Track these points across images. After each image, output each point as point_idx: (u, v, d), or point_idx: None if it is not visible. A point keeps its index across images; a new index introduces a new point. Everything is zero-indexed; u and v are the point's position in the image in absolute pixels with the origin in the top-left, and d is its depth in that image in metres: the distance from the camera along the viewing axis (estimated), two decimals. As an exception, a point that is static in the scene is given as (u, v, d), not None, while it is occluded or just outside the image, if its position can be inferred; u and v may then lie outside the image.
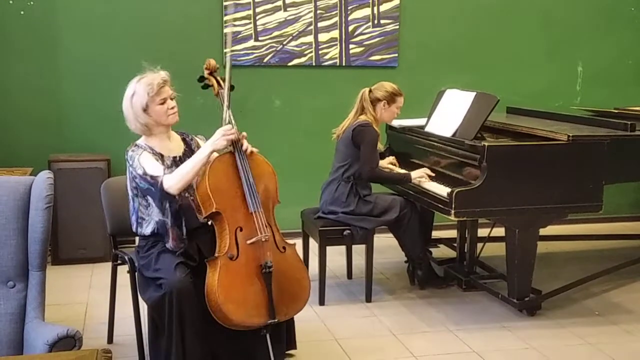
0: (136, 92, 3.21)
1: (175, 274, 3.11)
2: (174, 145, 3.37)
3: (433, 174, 4.33)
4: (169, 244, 3.24)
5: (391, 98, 4.38)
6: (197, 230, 3.34)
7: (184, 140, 3.44)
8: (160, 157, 3.28)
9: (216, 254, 3.19)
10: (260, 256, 3.22)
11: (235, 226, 3.21)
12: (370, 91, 4.40)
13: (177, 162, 3.31)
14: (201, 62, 5.27)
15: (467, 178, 4.06)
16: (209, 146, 3.19)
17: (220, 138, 3.19)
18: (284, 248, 3.34)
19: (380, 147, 4.51)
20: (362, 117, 4.35)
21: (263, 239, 3.22)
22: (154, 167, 3.19)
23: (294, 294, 3.32)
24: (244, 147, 3.31)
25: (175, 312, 3.06)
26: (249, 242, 3.21)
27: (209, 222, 3.33)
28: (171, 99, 3.27)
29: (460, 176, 4.15)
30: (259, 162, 3.39)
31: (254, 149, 3.36)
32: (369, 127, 4.30)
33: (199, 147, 3.36)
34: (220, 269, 3.13)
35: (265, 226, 3.25)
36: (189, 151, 3.38)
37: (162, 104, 3.23)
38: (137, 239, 3.41)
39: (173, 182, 3.13)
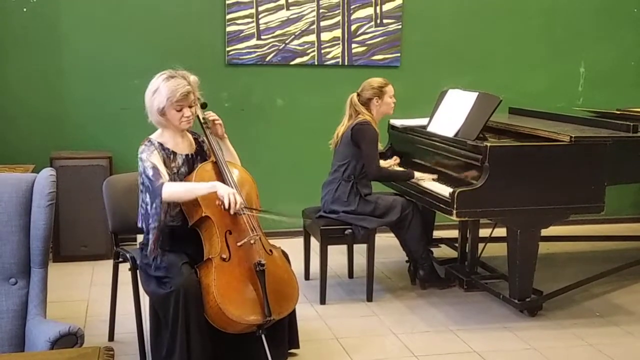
0: (159, 91, 3.22)
1: (182, 272, 3.13)
2: (187, 144, 3.40)
3: (436, 178, 4.34)
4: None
5: (380, 91, 4.37)
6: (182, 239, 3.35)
7: (195, 140, 3.47)
8: (173, 154, 3.31)
9: (209, 256, 3.21)
10: (251, 257, 3.26)
11: (224, 230, 3.26)
12: (358, 95, 4.40)
13: (189, 160, 3.36)
14: (203, 59, 5.33)
15: (469, 178, 4.06)
16: (214, 187, 3.18)
17: (227, 194, 3.15)
18: (270, 251, 3.39)
19: (380, 147, 4.50)
20: (360, 117, 4.34)
21: (252, 241, 3.28)
22: (160, 170, 3.20)
23: (285, 293, 3.36)
24: (211, 117, 3.43)
25: (182, 310, 3.07)
26: (238, 244, 3.25)
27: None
28: (190, 107, 3.27)
29: (462, 176, 4.15)
30: (240, 171, 3.48)
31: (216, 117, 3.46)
32: (368, 125, 4.30)
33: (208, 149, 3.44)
34: (215, 269, 3.15)
35: (253, 228, 3.30)
36: (201, 151, 3.45)
37: (179, 110, 3.24)
38: (141, 236, 3.41)
39: (170, 191, 3.16)
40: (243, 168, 3.53)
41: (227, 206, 3.16)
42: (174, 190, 3.17)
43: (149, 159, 3.21)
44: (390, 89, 4.41)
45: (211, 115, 3.48)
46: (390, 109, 4.48)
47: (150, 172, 3.18)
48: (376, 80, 4.41)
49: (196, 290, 3.12)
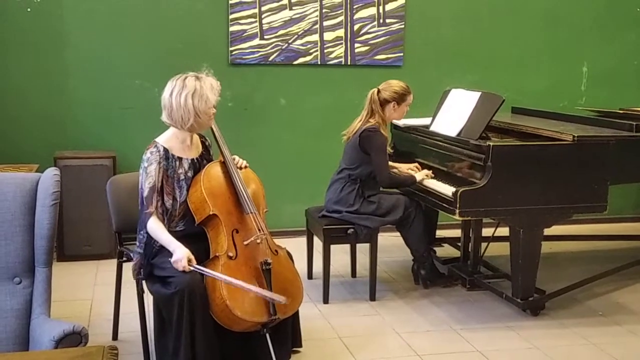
0: (200, 92, 3.24)
1: (186, 272, 3.13)
2: (194, 148, 3.42)
3: (433, 175, 4.36)
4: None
5: (400, 98, 4.33)
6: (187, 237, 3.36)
7: (202, 143, 3.49)
8: (179, 160, 3.31)
9: (216, 254, 3.23)
10: (257, 256, 3.29)
11: (231, 228, 3.28)
12: (378, 92, 4.34)
13: (194, 164, 3.38)
14: (206, 58, 5.33)
15: (471, 178, 4.06)
16: (176, 251, 3.15)
17: (176, 262, 3.14)
18: (276, 251, 3.42)
19: (389, 149, 4.48)
20: (371, 121, 4.30)
21: (258, 240, 3.30)
22: (154, 196, 3.22)
23: (290, 293, 3.36)
24: (238, 163, 3.47)
25: (187, 311, 3.08)
26: (245, 243, 3.28)
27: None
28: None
29: (465, 176, 4.15)
30: (246, 172, 3.52)
31: (246, 164, 3.53)
32: (376, 132, 4.26)
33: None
34: (222, 267, 3.17)
35: (260, 228, 3.33)
36: (207, 154, 3.48)
37: (210, 108, 3.30)
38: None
39: (152, 230, 3.21)
40: (250, 169, 3.56)
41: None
42: (154, 232, 3.22)
43: (150, 175, 3.22)
44: (410, 98, 4.36)
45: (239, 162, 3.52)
46: (401, 116, 4.45)
47: (145, 193, 3.22)
48: (399, 85, 4.34)
49: (201, 289, 3.13)
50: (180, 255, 3.13)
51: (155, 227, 3.21)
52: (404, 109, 4.39)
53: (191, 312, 3.09)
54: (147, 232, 3.24)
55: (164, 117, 3.31)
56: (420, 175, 4.39)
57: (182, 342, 3.10)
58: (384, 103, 4.33)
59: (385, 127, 4.36)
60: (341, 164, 4.43)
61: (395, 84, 4.35)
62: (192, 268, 3.13)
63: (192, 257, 3.15)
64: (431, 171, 4.42)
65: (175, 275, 3.13)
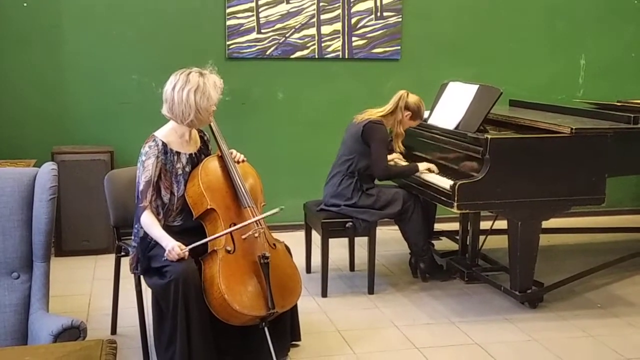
0: (203, 88, 3.24)
1: (181, 261, 3.13)
2: (192, 142, 3.42)
3: (437, 171, 4.35)
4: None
5: (415, 114, 4.36)
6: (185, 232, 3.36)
7: (201, 138, 3.50)
8: (177, 155, 3.31)
9: (214, 248, 3.23)
10: (255, 250, 3.30)
11: (229, 222, 3.29)
12: (407, 95, 4.37)
13: (193, 159, 3.38)
14: (204, 53, 5.33)
15: (469, 171, 4.07)
16: (167, 246, 3.15)
17: (169, 253, 3.15)
18: (274, 245, 3.42)
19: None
20: (386, 118, 4.32)
21: (256, 234, 3.31)
22: (149, 190, 3.22)
23: (288, 287, 3.38)
24: (236, 157, 3.48)
25: (182, 299, 3.09)
26: (243, 237, 3.28)
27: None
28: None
29: (463, 169, 4.15)
30: (244, 166, 3.53)
31: (243, 158, 3.54)
32: (381, 126, 4.28)
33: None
34: (220, 261, 3.17)
35: (257, 222, 3.34)
36: (205, 149, 3.49)
37: (211, 105, 3.31)
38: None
39: (146, 225, 3.21)
40: (248, 163, 3.56)
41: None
42: (147, 227, 3.21)
43: (147, 169, 3.22)
44: (415, 124, 4.44)
45: (237, 156, 3.53)
46: (403, 129, 4.40)
47: (141, 187, 3.22)
48: (422, 107, 4.39)
49: (195, 279, 3.14)
50: (171, 245, 3.13)
51: (149, 222, 3.21)
52: (407, 125, 4.41)
53: (186, 301, 3.09)
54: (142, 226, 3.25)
55: (164, 110, 3.31)
56: (424, 165, 4.38)
57: (179, 330, 3.11)
58: (405, 107, 4.35)
59: (387, 128, 4.37)
60: (339, 156, 4.41)
61: (421, 102, 4.39)
62: (187, 250, 3.14)
63: (181, 244, 3.15)
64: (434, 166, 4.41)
65: (170, 264, 3.14)
